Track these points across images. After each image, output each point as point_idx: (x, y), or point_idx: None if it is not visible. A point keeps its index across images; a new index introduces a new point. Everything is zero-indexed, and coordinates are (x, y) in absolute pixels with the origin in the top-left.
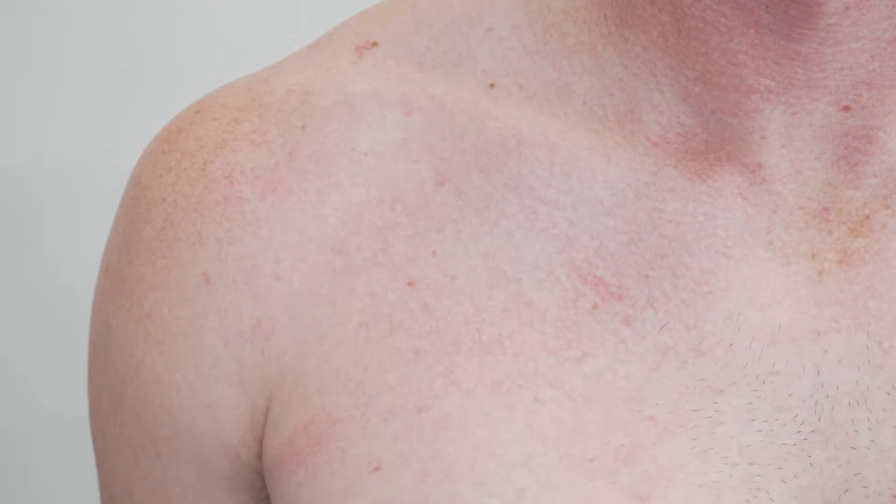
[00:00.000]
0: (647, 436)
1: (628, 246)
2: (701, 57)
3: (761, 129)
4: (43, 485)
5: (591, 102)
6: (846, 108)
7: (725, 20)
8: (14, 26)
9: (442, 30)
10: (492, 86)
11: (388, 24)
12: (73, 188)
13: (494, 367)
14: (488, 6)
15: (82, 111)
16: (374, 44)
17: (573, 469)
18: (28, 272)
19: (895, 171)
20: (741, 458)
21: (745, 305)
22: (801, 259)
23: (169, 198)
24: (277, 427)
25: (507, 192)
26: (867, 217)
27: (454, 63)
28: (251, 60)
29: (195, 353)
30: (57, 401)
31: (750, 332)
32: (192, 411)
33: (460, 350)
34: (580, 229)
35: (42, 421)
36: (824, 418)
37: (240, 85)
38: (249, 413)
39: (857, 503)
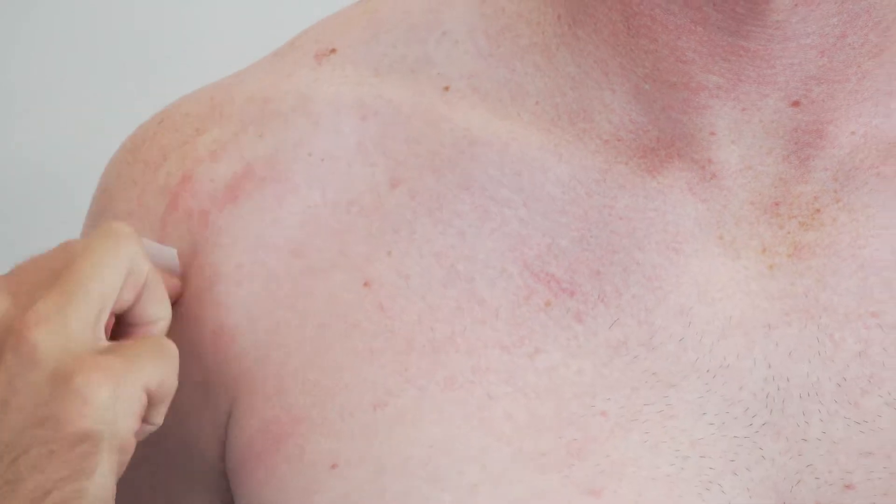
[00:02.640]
0: (599, 430)
1: (580, 242)
2: (650, 55)
3: (711, 126)
4: None
5: (543, 102)
6: (796, 104)
7: (674, 18)
8: (15, 26)
9: (399, 35)
10: (446, 89)
11: (348, 31)
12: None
13: (447, 365)
14: (445, 11)
15: (82, 111)
16: (333, 51)
17: (526, 464)
18: None
19: (846, 165)
20: (693, 452)
21: (695, 300)
22: (752, 253)
23: (135, 212)
24: (239, 428)
25: (459, 192)
26: (818, 211)
27: (411, 68)
28: (251, 60)
29: None
30: None
31: (701, 326)
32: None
33: (414, 348)
34: (532, 227)
35: None
36: (775, 411)
37: (203, 94)
38: (213, 415)
39: (809, 494)
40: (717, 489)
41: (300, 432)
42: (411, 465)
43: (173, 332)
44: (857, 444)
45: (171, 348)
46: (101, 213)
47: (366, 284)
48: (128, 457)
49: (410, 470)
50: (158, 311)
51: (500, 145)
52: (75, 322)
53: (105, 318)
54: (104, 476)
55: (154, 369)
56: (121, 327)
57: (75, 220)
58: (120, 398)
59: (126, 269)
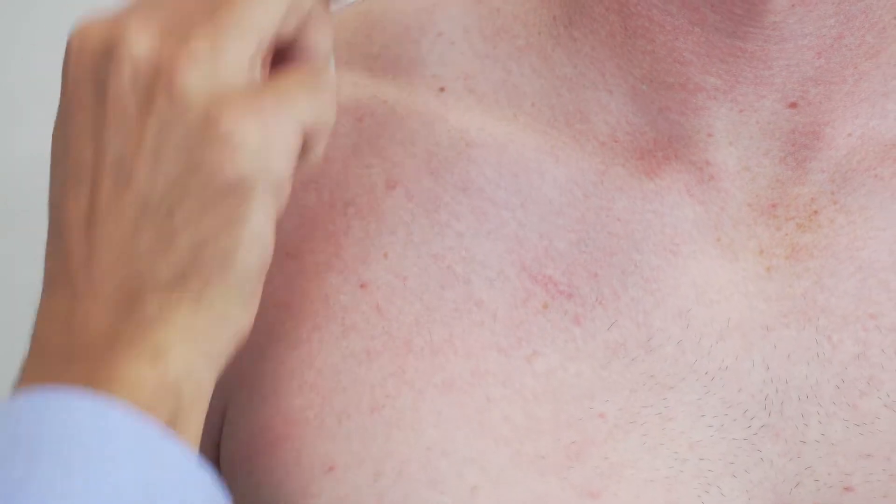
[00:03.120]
0: (597, 432)
1: (577, 245)
2: (648, 56)
3: (708, 127)
4: None
5: (540, 103)
6: (793, 105)
7: (672, 19)
8: (15, 26)
9: (394, 36)
10: (442, 90)
11: (342, 31)
12: None
13: (445, 367)
14: (439, 12)
15: None
16: None
17: (525, 466)
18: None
19: (843, 166)
20: (692, 454)
21: (693, 302)
22: (750, 255)
23: None
24: (234, 430)
25: (456, 194)
26: (815, 212)
27: (406, 69)
28: None
29: None
30: None
31: (699, 328)
32: None
33: (412, 350)
34: (529, 229)
35: None
36: (774, 413)
37: None
38: (207, 418)
39: (809, 497)
40: (716, 491)
41: (296, 435)
42: (409, 468)
43: None
44: (856, 446)
45: (329, 78)
46: None
47: (362, 286)
48: (284, 199)
49: (409, 473)
50: (323, 44)
51: (498, 147)
52: (229, 59)
53: (262, 52)
54: (260, 221)
55: (308, 104)
56: (282, 62)
57: None
58: (271, 139)
59: (290, 4)
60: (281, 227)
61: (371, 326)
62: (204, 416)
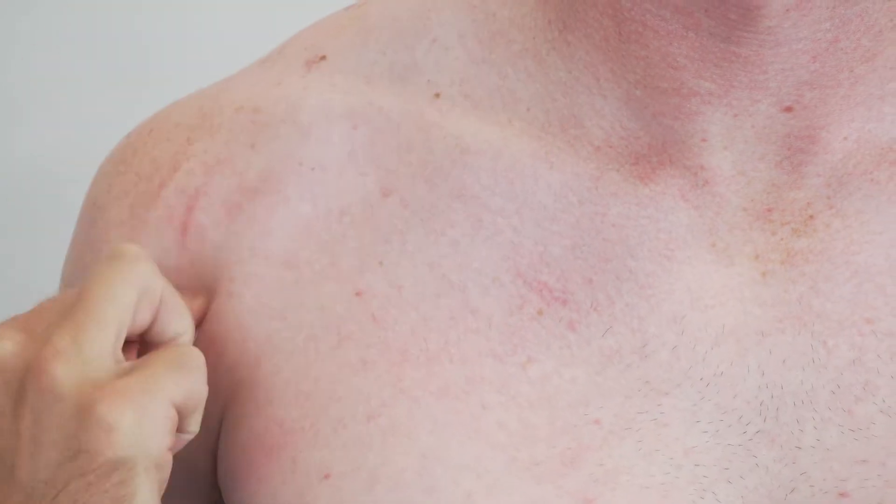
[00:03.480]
0: (592, 439)
1: (572, 251)
2: (642, 60)
3: (703, 132)
4: None
5: (535, 108)
6: (788, 109)
7: (665, 24)
8: (15, 26)
9: (389, 42)
10: (437, 96)
11: (338, 37)
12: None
13: (441, 375)
14: (434, 17)
15: (81, 112)
16: (323, 58)
17: (520, 473)
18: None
19: (839, 170)
20: (687, 460)
21: (688, 307)
22: (745, 260)
23: (127, 223)
24: (231, 439)
25: (451, 201)
26: (811, 217)
27: (400, 75)
28: (249, 61)
29: None
30: None
31: (694, 333)
32: None
33: (408, 359)
34: (524, 235)
35: None
36: (769, 418)
37: (191, 103)
38: (204, 426)
39: (804, 502)
40: (712, 497)
41: (292, 443)
42: (405, 476)
43: None
44: (851, 451)
45: (194, 356)
46: (92, 224)
47: (358, 294)
48: (167, 473)
49: (405, 480)
50: (179, 327)
51: (493, 153)
52: (92, 350)
53: (122, 341)
54: (145, 498)
55: (176, 382)
56: (146, 348)
57: (74, 222)
58: (145, 419)
59: (138, 288)
60: (276, 236)
61: (367, 335)
62: None
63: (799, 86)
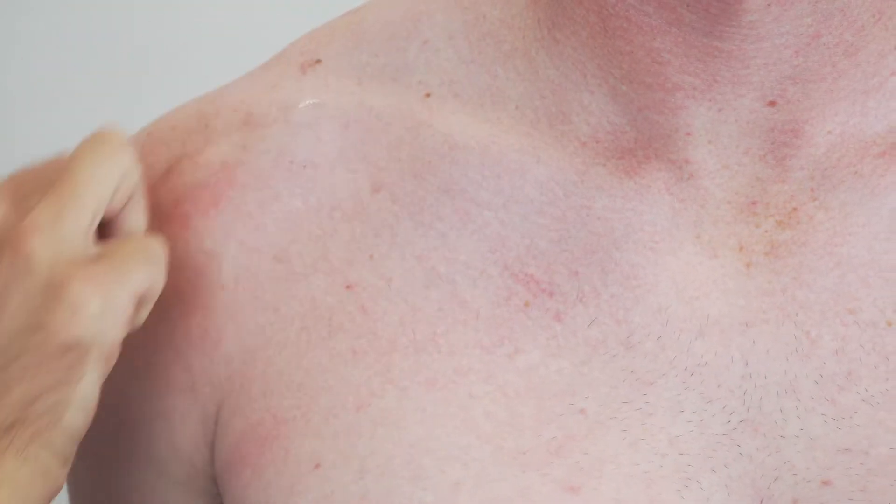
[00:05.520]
0: (578, 428)
1: (558, 243)
2: (626, 56)
3: (687, 126)
4: None
5: (523, 106)
6: (772, 103)
7: (648, 19)
8: (15, 26)
9: (381, 45)
10: (427, 95)
11: (332, 42)
12: None
13: (429, 365)
14: (426, 20)
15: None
16: (318, 61)
17: (507, 462)
18: None
19: (822, 164)
20: (671, 449)
21: (673, 298)
22: (729, 252)
23: None
24: (226, 431)
25: (440, 196)
26: (795, 209)
27: (392, 76)
28: (251, 60)
29: (148, 365)
30: None
31: (678, 324)
32: (148, 421)
33: (396, 349)
34: (511, 229)
35: None
36: (753, 408)
37: (190, 107)
38: (200, 419)
39: (787, 491)
40: (696, 486)
41: (284, 434)
42: (394, 465)
43: (159, 336)
44: (834, 440)
45: (158, 250)
46: None
47: (348, 287)
48: (111, 365)
49: (393, 469)
50: (139, 222)
51: (480, 149)
52: (69, 229)
53: (96, 223)
54: (89, 384)
55: (143, 275)
56: (103, 233)
57: None
58: (110, 306)
59: (120, 175)
60: (268, 231)
61: (357, 326)
62: None
63: (782, 80)
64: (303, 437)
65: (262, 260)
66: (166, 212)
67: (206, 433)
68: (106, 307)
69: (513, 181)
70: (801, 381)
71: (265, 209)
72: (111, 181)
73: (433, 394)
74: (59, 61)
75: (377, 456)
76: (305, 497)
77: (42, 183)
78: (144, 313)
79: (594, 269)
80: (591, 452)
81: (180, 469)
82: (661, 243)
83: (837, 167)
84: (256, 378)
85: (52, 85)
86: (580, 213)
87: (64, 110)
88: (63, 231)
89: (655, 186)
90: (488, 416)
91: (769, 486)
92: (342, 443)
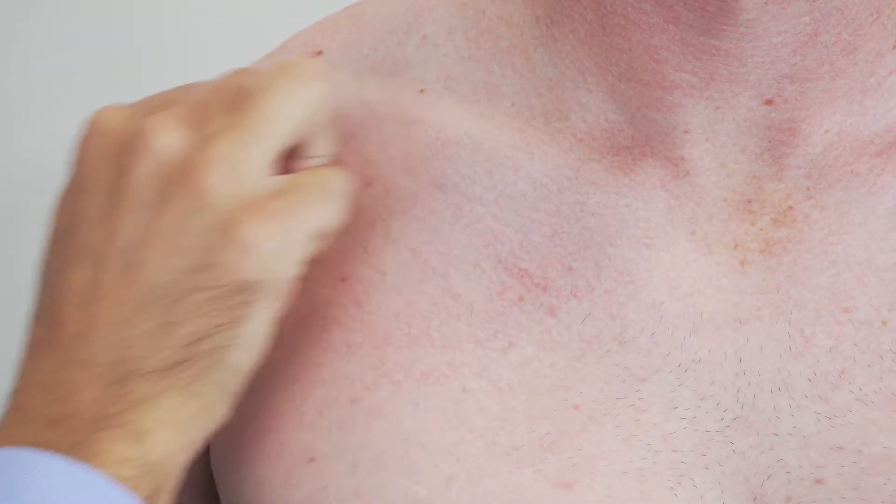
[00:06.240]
0: (571, 424)
1: (552, 238)
2: (624, 54)
3: (684, 124)
4: None
5: (519, 103)
6: (769, 102)
7: (646, 17)
8: (15, 26)
9: (381, 38)
10: (422, 91)
11: (335, 35)
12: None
13: (423, 359)
14: (427, 15)
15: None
16: (319, 53)
17: (500, 457)
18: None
19: (819, 162)
20: (665, 445)
21: (667, 295)
22: (724, 249)
23: None
24: (222, 425)
25: (433, 190)
26: (790, 208)
27: (390, 70)
28: (251, 60)
29: None
30: None
31: (672, 320)
32: None
33: (390, 343)
34: (504, 223)
35: None
36: (747, 405)
37: None
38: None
39: (780, 489)
40: (689, 483)
41: (279, 427)
42: (387, 459)
43: None
44: (827, 438)
45: (339, 183)
46: None
47: (343, 280)
48: (283, 302)
49: (386, 463)
50: (324, 150)
51: (473, 145)
52: (250, 165)
53: (276, 157)
54: (259, 324)
55: (321, 212)
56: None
57: None
58: (286, 247)
59: (309, 110)
60: None
61: (351, 319)
62: (173, 496)
63: (779, 79)
64: (297, 430)
65: None
66: None
67: None
68: (280, 247)
69: (505, 176)
70: (794, 379)
71: None
72: (299, 117)
73: (426, 388)
74: (59, 61)
75: (370, 450)
76: (299, 490)
77: (227, 105)
78: (320, 247)
79: (588, 265)
80: (585, 448)
81: None
82: (655, 239)
83: (834, 166)
84: (252, 371)
85: (52, 85)
86: (574, 208)
87: (64, 110)
88: (243, 166)
89: (651, 183)
90: (481, 410)
91: (762, 483)
92: (336, 436)
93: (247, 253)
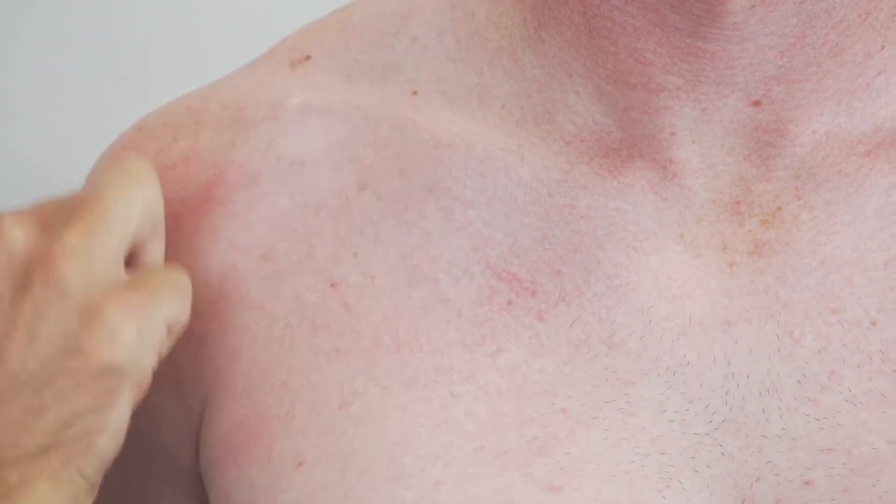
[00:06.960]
0: (560, 428)
1: (541, 242)
2: (611, 56)
3: (672, 126)
4: None
5: (509, 105)
6: (756, 103)
7: (632, 20)
8: (15, 26)
9: (371, 42)
10: (414, 93)
11: (323, 38)
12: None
13: (412, 364)
14: (415, 17)
15: (82, 112)
16: (308, 57)
17: (488, 461)
18: None
19: (807, 163)
20: (653, 449)
21: (655, 298)
22: (713, 251)
23: None
24: (211, 428)
25: (424, 194)
26: (779, 208)
27: (380, 74)
28: (249, 59)
29: None
30: None
31: (661, 323)
32: (135, 418)
33: (379, 347)
34: (494, 227)
35: None
36: (735, 408)
37: (181, 103)
38: (186, 416)
39: (770, 491)
40: (678, 486)
41: (268, 432)
42: (375, 464)
43: None
44: (816, 440)
45: (186, 282)
46: None
47: (332, 285)
48: (142, 393)
49: (374, 468)
50: (159, 256)
51: (465, 147)
52: (101, 254)
53: (125, 250)
54: (122, 411)
55: (173, 304)
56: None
57: None
58: (145, 332)
59: (147, 204)
60: (255, 229)
61: (340, 324)
62: None
63: (766, 80)
64: (286, 434)
65: (248, 258)
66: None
67: (192, 431)
68: (141, 333)
69: (497, 179)
70: (783, 381)
71: (253, 207)
72: (139, 208)
73: (415, 392)
74: (59, 61)
75: (359, 454)
76: (289, 495)
77: (67, 212)
78: (170, 345)
79: (577, 268)
80: (573, 452)
81: (167, 466)
82: (644, 242)
83: (822, 166)
84: (241, 375)
85: (52, 85)
86: (563, 211)
87: (64, 110)
88: (95, 255)
89: (639, 185)
90: (470, 415)
91: (751, 485)
92: (325, 441)
93: (112, 336)
